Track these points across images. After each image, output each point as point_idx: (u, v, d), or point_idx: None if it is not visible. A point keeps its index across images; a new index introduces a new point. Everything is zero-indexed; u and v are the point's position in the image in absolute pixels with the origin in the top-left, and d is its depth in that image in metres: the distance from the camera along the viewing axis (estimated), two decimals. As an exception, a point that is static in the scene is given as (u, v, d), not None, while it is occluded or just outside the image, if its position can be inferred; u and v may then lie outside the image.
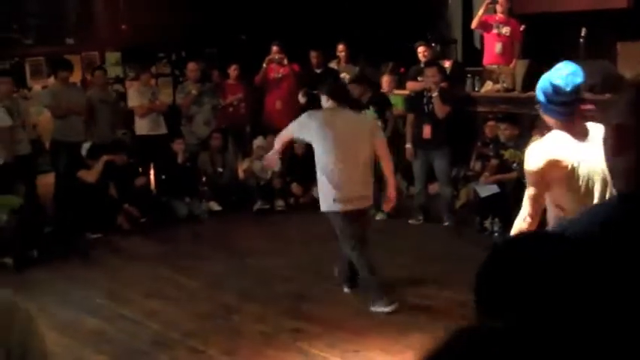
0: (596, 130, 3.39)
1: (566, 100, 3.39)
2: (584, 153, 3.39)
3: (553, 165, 3.39)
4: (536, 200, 3.48)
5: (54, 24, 10.82)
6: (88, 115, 9.06)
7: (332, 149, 5.84)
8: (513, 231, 3.55)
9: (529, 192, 3.49)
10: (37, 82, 10.37)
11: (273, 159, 6.46)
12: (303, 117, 6.12)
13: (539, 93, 3.48)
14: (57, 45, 10.68)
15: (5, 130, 8.15)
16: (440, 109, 8.08)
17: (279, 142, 6.30)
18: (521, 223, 3.52)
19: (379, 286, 6.02)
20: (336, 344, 5.30)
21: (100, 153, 8.56)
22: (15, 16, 10.46)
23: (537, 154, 3.45)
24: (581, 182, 3.42)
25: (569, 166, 3.42)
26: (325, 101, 6.07)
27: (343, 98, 6.19)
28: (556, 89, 3.38)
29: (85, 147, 8.64)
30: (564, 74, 3.40)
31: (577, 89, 3.40)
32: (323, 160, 5.92)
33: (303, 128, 6.04)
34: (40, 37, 10.65)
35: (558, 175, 3.41)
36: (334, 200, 5.95)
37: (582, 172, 3.42)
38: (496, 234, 7.61)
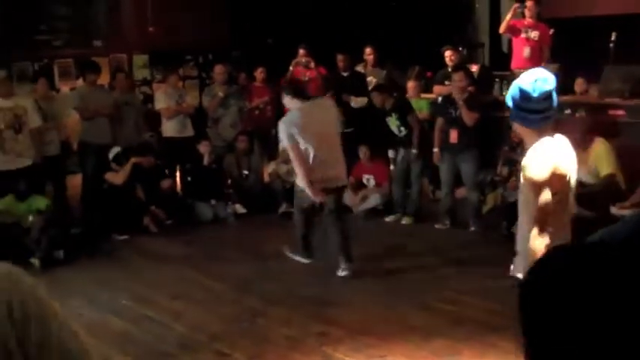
0: (563, 143, 3.37)
1: (534, 107, 3.30)
2: (572, 163, 3.34)
3: (556, 173, 3.33)
4: (549, 209, 3.34)
5: (82, 26, 10.90)
6: (114, 117, 9.12)
7: (311, 141, 6.39)
8: (538, 251, 3.31)
9: (542, 201, 3.31)
10: (66, 84, 10.45)
11: (318, 193, 6.60)
12: (284, 130, 6.46)
13: (508, 98, 3.42)
14: (85, 47, 10.76)
15: (35, 130, 8.23)
16: (468, 117, 8.02)
17: (302, 163, 6.46)
18: (544, 239, 3.32)
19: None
20: (361, 349, 5.27)
21: (125, 159, 8.60)
22: (44, 18, 10.55)
23: (543, 160, 3.34)
24: (569, 193, 3.40)
25: (567, 176, 3.38)
26: (290, 101, 6.59)
27: (305, 94, 6.97)
28: (523, 95, 3.30)
29: (113, 151, 8.68)
30: (533, 80, 3.32)
31: (545, 96, 3.31)
32: (305, 151, 6.44)
33: (292, 137, 6.39)
34: (69, 39, 10.75)
35: (558, 184, 3.34)
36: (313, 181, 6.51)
37: (571, 182, 3.39)
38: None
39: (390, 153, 9.17)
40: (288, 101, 6.65)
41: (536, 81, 3.30)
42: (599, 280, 1.18)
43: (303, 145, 6.39)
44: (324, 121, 6.61)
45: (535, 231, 3.35)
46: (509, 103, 3.39)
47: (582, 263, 1.21)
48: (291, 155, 6.55)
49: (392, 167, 9.25)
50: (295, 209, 7.02)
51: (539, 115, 3.32)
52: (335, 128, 6.81)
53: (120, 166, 8.55)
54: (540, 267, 1.26)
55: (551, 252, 1.33)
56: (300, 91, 6.78)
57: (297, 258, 7.04)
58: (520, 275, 3.52)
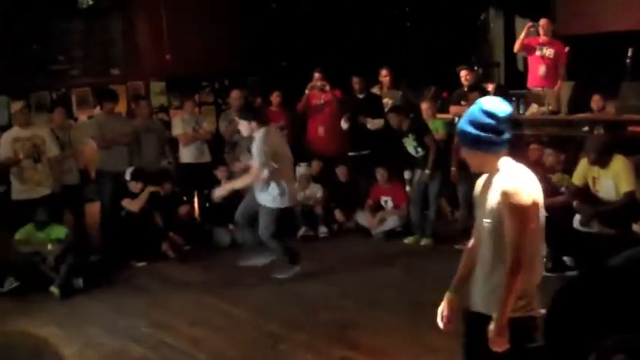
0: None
1: (501, 128, 3.25)
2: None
3: (535, 200, 3.25)
4: (529, 240, 3.20)
5: (99, 55, 10.99)
6: (133, 144, 9.16)
7: (281, 162, 7.26)
8: (515, 289, 3.18)
9: (528, 229, 3.18)
10: (83, 113, 10.51)
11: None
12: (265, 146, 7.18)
13: (464, 125, 3.31)
14: (102, 75, 10.83)
15: (54, 160, 8.28)
16: None
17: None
18: (523, 274, 3.18)
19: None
20: (383, 373, 5.22)
21: (143, 177, 8.64)
22: (61, 47, 10.64)
23: (528, 186, 3.23)
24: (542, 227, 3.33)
25: (541, 203, 3.30)
26: (248, 127, 7.30)
27: (264, 117, 7.64)
28: (489, 115, 3.25)
29: (129, 170, 8.73)
30: (494, 102, 3.33)
31: (508, 118, 3.28)
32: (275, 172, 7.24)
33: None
34: (86, 68, 10.82)
35: (537, 212, 3.26)
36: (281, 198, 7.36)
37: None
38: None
39: (406, 174, 9.15)
40: (247, 127, 7.32)
41: (497, 103, 3.30)
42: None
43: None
44: (285, 143, 7.75)
45: (513, 264, 3.19)
46: (468, 129, 3.28)
47: (612, 288, 1.19)
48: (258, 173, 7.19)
49: (407, 188, 9.23)
50: (266, 232, 7.42)
51: (504, 137, 3.27)
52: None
53: (137, 182, 8.58)
54: (571, 291, 1.24)
55: (581, 275, 1.30)
56: (259, 116, 7.48)
57: (292, 273, 7.51)
58: (483, 310, 3.36)
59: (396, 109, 9.00)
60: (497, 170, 3.30)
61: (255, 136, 7.22)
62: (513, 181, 3.21)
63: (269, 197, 7.33)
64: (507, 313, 3.19)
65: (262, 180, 7.24)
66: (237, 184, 7.76)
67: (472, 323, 3.43)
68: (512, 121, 3.36)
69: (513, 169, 3.28)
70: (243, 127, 7.35)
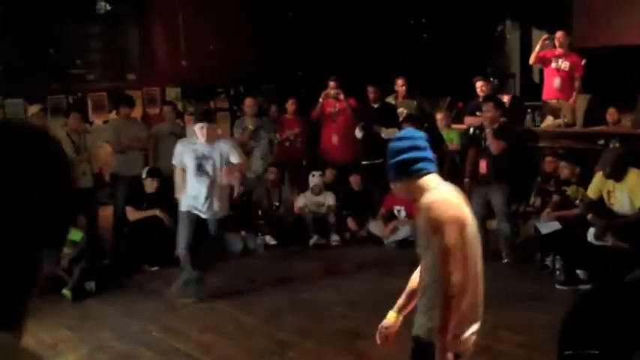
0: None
1: (423, 155, 3.22)
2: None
3: (466, 221, 3.16)
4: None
5: (116, 60, 11.07)
6: (149, 148, 9.22)
7: None
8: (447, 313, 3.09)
9: (453, 245, 3.07)
10: (99, 117, 10.59)
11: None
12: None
13: (388, 163, 3.24)
14: (119, 80, 10.91)
15: (67, 163, 8.32)
16: (494, 145, 7.97)
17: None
18: (456, 298, 3.07)
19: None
20: (392, 383, 5.19)
21: (159, 175, 8.68)
22: (78, 52, 10.73)
23: (457, 207, 3.15)
24: (474, 247, 3.19)
25: (472, 227, 3.19)
26: (214, 132, 7.13)
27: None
28: (411, 144, 3.22)
29: (146, 169, 8.81)
30: (405, 132, 3.52)
31: (422, 138, 3.29)
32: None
33: None
34: (103, 73, 10.90)
35: (467, 236, 3.15)
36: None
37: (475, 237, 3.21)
38: (557, 272, 7.41)
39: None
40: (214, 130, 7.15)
41: (408, 131, 3.51)
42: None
43: None
44: None
45: (444, 286, 3.09)
46: (389, 162, 3.23)
47: (627, 305, 1.19)
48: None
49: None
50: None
51: (430, 160, 3.23)
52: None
53: (153, 179, 8.64)
54: (584, 307, 1.23)
55: (594, 291, 1.30)
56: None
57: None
58: (419, 333, 3.30)
59: (410, 118, 9.00)
60: (422, 192, 3.19)
61: (222, 141, 7.14)
62: (431, 197, 3.13)
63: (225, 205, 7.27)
64: (447, 342, 3.08)
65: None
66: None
67: (413, 347, 3.36)
68: (429, 142, 3.32)
69: (435, 187, 3.19)
70: (212, 132, 6.98)
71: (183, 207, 7.07)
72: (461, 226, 3.08)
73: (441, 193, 3.16)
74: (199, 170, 6.90)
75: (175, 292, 7.22)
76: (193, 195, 6.98)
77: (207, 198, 6.96)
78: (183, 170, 7.03)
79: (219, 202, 7.05)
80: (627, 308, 1.20)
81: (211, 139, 6.89)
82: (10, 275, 1.07)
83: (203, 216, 7.05)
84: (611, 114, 9.09)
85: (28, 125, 1.16)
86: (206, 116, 7.15)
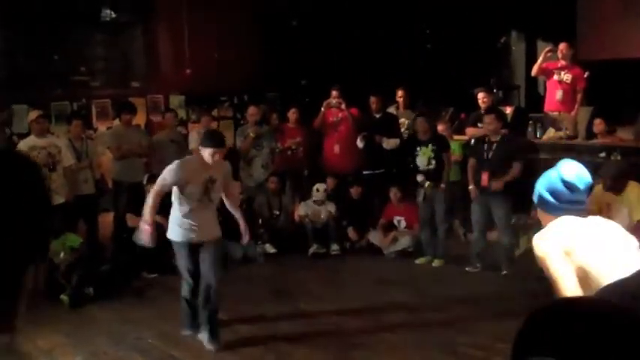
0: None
1: (580, 198, 3.22)
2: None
3: (567, 249, 3.22)
4: None
5: (120, 67, 11.12)
6: (150, 155, 9.24)
7: None
8: None
9: (561, 278, 3.13)
10: (103, 124, 10.64)
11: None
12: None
13: (543, 193, 3.26)
14: (123, 88, 10.97)
15: (69, 169, 8.36)
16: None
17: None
18: None
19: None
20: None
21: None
22: (83, 59, 10.79)
23: (555, 236, 3.22)
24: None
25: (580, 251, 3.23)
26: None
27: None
28: (571, 187, 3.20)
29: (146, 175, 8.83)
30: (576, 171, 3.25)
31: (589, 187, 3.26)
32: None
33: None
34: (107, 80, 10.96)
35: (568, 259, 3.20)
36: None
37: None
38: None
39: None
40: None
41: (577, 172, 3.24)
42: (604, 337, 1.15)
43: None
44: None
45: None
46: (546, 196, 3.25)
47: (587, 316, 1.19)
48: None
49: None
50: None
51: (582, 206, 3.23)
52: None
53: (153, 185, 8.63)
54: (543, 314, 1.23)
55: (559, 305, 1.30)
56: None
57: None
58: None
59: (425, 114, 9.00)
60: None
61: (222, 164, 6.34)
62: (539, 234, 3.21)
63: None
64: None
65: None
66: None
67: None
68: (591, 188, 3.30)
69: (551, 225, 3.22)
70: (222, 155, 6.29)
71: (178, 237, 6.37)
72: (565, 256, 3.13)
73: (547, 230, 3.24)
74: (206, 196, 6.26)
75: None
76: (192, 222, 6.31)
77: (208, 225, 6.39)
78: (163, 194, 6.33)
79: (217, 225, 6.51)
80: (587, 319, 1.20)
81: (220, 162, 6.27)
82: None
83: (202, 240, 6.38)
84: (597, 125, 9.05)
85: None
86: (220, 142, 6.22)
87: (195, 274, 6.34)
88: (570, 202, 3.21)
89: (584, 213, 3.24)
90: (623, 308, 1.24)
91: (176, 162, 6.29)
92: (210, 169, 6.17)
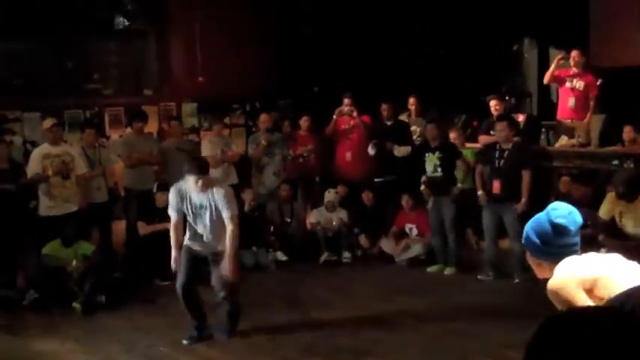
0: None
1: (571, 241, 3.09)
2: None
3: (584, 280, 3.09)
4: None
5: (133, 75, 11.17)
6: (160, 163, 9.28)
7: None
8: None
9: None
10: (116, 132, 10.68)
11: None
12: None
13: (531, 236, 3.13)
14: (135, 96, 11.02)
15: (82, 177, 8.40)
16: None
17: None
18: None
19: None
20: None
21: (169, 189, 8.70)
22: (96, 66, 10.85)
23: (568, 275, 3.09)
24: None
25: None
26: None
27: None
28: (559, 229, 3.07)
29: (156, 183, 8.91)
30: (565, 213, 3.10)
31: (579, 229, 3.11)
32: None
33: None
34: (120, 87, 11.01)
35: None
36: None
37: None
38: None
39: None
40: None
41: (569, 214, 3.09)
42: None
43: None
44: None
45: None
46: (534, 238, 3.12)
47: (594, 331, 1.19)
48: (234, 229, 6.27)
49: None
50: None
51: (574, 248, 3.10)
52: None
53: (163, 193, 8.67)
54: (552, 328, 1.23)
55: (568, 314, 1.30)
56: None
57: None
58: None
59: (436, 121, 9.00)
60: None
61: (215, 190, 6.30)
62: (551, 280, 3.07)
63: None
64: None
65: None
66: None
67: None
68: (581, 230, 3.15)
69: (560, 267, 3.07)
70: (208, 183, 6.33)
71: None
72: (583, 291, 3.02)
73: (558, 272, 3.11)
74: (196, 219, 6.40)
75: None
76: (193, 233, 6.50)
77: (207, 237, 6.46)
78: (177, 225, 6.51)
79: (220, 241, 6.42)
80: (594, 328, 1.20)
81: (206, 188, 6.29)
82: None
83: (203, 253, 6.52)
84: (627, 132, 9.01)
85: None
86: (201, 169, 6.30)
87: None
88: (559, 246, 3.08)
89: (577, 254, 3.11)
90: (631, 315, 1.24)
91: (172, 187, 6.55)
92: (201, 195, 6.28)
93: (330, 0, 11.65)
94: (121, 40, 11.02)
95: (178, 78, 11.48)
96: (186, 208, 6.40)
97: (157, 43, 11.29)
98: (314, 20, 11.92)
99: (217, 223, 6.35)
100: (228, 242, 6.29)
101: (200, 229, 6.44)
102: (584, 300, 2.96)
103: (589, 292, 3.00)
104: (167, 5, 11.18)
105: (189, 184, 6.26)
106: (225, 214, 6.27)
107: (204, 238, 6.45)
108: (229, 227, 6.27)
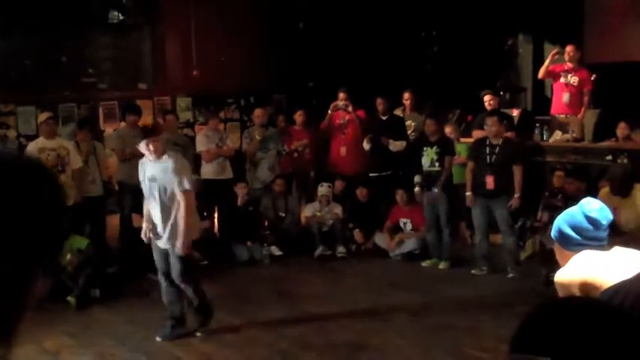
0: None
1: (601, 235, 3.18)
2: None
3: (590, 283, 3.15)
4: None
5: (128, 69, 11.15)
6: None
7: None
8: None
9: None
10: (110, 126, 10.64)
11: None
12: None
13: (565, 228, 3.22)
14: (130, 90, 10.98)
15: (77, 171, 8.39)
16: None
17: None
18: None
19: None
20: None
21: None
22: (90, 60, 10.82)
23: (575, 273, 3.18)
24: None
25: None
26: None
27: None
28: (594, 223, 3.17)
29: None
30: (598, 207, 3.21)
31: (610, 224, 3.22)
32: None
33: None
34: (114, 81, 10.99)
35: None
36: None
37: None
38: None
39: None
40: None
41: (602, 208, 3.20)
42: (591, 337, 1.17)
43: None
44: None
45: None
46: (570, 233, 3.20)
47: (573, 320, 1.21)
48: (185, 204, 5.95)
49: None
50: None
51: (603, 242, 3.20)
52: None
53: None
54: (537, 318, 1.25)
55: (554, 305, 1.32)
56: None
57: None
58: None
59: (434, 116, 9.02)
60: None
61: (171, 160, 6.03)
62: (559, 272, 3.18)
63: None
64: None
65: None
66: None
67: None
68: (611, 225, 3.26)
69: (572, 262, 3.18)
70: (159, 146, 6.15)
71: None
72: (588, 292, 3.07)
73: (568, 267, 3.20)
74: (151, 194, 6.11)
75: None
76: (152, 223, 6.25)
77: (162, 226, 6.14)
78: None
79: (174, 237, 6.08)
80: (581, 319, 1.22)
81: (159, 152, 6.03)
82: (3, 292, 1.12)
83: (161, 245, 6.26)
84: (622, 128, 9.03)
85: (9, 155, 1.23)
86: (150, 132, 6.22)
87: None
88: (592, 238, 3.19)
89: (605, 249, 3.21)
90: (617, 307, 1.26)
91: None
92: (155, 164, 6.04)
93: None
94: (115, 34, 11.00)
95: (173, 72, 11.45)
96: (144, 184, 6.11)
97: (151, 37, 11.26)
98: (308, 15, 11.90)
99: (169, 204, 5.99)
100: (179, 215, 5.94)
101: (153, 213, 6.12)
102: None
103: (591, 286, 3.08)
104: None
105: (144, 152, 6.02)
106: (176, 188, 5.91)
107: (157, 228, 6.13)
108: (181, 201, 5.92)
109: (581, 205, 3.25)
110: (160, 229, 6.16)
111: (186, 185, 5.97)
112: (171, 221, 6.04)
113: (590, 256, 3.16)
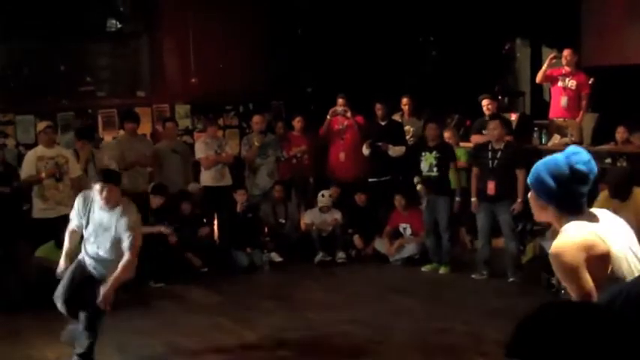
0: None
1: (582, 190, 2.87)
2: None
3: (595, 252, 2.88)
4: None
5: (126, 77, 11.15)
6: (154, 165, 9.27)
7: None
8: None
9: (586, 289, 2.78)
10: (109, 134, 10.64)
11: None
12: None
13: (545, 177, 2.86)
14: (129, 97, 10.99)
15: (76, 180, 8.39)
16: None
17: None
18: None
19: None
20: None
21: (165, 192, 8.70)
22: (89, 69, 10.83)
23: (579, 241, 2.86)
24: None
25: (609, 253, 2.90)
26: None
27: None
28: (578, 176, 2.83)
29: (151, 184, 8.92)
30: (586, 160, 2.85)
31: (595, 177, 2.90)
32: None
33: None
34: (113, 89, 10.99)
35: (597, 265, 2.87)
36: None
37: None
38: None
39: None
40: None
41: (589, 161, 2.86)
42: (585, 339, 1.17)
43: None
44: None
45: None
46: (549, 181, 2.86)
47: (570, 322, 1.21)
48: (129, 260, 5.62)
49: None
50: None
51: (584, 199, 2.89)
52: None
53: (156, 196, 8.65)
54: (531, 323, 1.25)
55: (543, 309, 1.32)
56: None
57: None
58: None
59: (435, 120, 9.04)
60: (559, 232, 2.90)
61: (123, 211, 5.62)
62: (559, 241, 2.84)
63: None
64: None
65: None
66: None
67: None
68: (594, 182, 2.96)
69: (570, 229, 2.85)
70: (114, 195, 5.60)
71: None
72: (593, 263, 2.81)
73: (566, 235, 2.88)
74: (93, 238, 5.71)
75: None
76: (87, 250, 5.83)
77: (95, 265, 5.82)
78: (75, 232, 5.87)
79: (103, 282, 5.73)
80: (573, 324, 1.22)
81: (112, 203, 5.57)
82: None
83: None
84: (620, 132, 9.04)
85: None
86: (109, 177, 5.74)
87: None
88: (572, 194, 2.87)
89: (585, 209, 2.91)
90: (612, 311, 1.26)
91: (81, 193, 5.92)
92: (107, 212, 5.58)
93: (322, 0, 11.65)
94: (113, 43, 11.00)
95: (171, 80, 11.47)
96: (86, 218, 5.67)
97: (149, 45, 11.26)
98: (306, 21, 11.92)
99: (116, 252, 5.62)
100: (119, 267, 5.59)
101: (94, 250, 5.74)
102: (585, 277, 2.78)
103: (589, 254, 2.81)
104: (160, 7, 11.17)
105: (95, 192, 5.54)
106: (125, 243, 5.55)
107: (94, 265, 5.79)
108: (126, 256, 5.57)
109: (567, 153, 2.90)
110: (91, 266, 5.82)
111: (137, 242, 5.64)
112: (108, 268, 5.72)
113: (585, 227, 2.84)
